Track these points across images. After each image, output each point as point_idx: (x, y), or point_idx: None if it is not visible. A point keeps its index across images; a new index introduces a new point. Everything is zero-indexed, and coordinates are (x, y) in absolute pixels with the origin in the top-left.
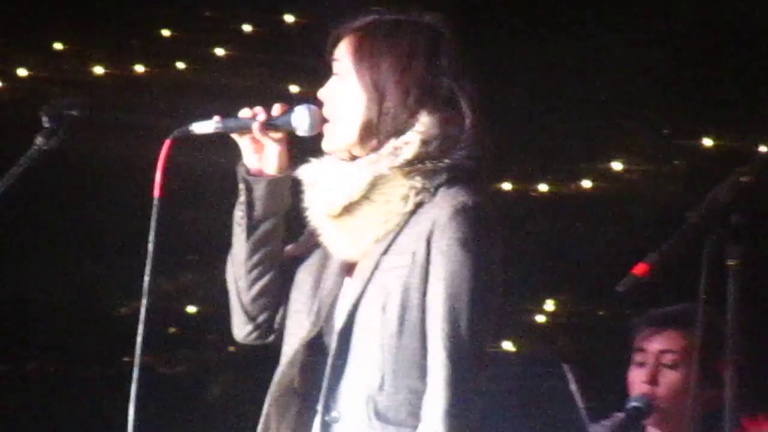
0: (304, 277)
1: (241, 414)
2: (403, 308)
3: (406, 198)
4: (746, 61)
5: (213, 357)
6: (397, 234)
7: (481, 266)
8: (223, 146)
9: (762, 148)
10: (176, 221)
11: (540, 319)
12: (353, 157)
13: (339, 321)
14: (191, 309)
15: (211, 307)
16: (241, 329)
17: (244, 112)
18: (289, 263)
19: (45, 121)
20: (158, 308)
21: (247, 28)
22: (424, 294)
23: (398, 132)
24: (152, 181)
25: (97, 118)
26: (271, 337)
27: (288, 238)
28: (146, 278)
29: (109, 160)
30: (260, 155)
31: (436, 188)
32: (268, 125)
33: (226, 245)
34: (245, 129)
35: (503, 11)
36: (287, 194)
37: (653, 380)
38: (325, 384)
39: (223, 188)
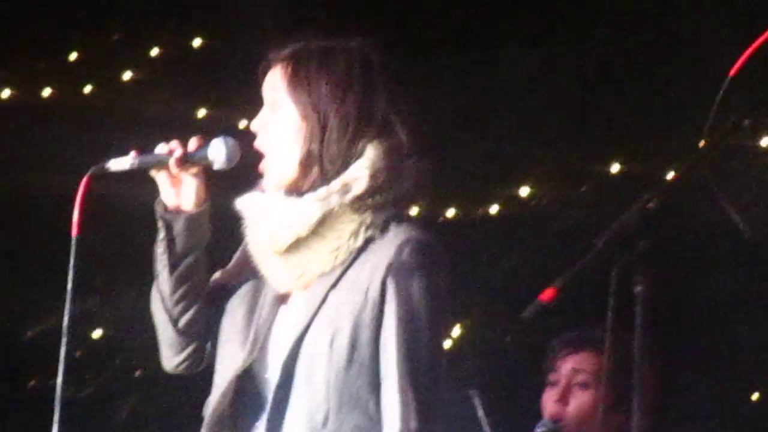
0: (236, 306)
1: None
2: (353, 345)
3: (356, 233)
4: (653, 88)
5: (119, 381)
6: (346, 269)
7: (437, 303)
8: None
9: (669, 175)
10: (81, 244)
11: (446, 344)
12: (297, 189)
13: (281, 352)
14: (97, 333)
15: (117, 332)
16: (170, 360)
17: (161, 148)
18: (218, 291)
19: None
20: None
21: (154, 51)
22: (375, 331)
23: (341, 160)
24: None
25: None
26: (201, 367)
27: (211, 267)
28: (65, 318)
29: (17, 182)
30: (177, 190)
31: (386, 223)
32: (185, 160)
33: (133, 269)
34: (161, 164)
35: (408, 34)
36: (207, 227)
37: (564, 399)
38: (266, 415)
39: (131, 213)
